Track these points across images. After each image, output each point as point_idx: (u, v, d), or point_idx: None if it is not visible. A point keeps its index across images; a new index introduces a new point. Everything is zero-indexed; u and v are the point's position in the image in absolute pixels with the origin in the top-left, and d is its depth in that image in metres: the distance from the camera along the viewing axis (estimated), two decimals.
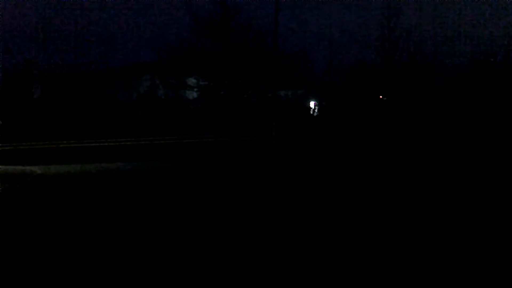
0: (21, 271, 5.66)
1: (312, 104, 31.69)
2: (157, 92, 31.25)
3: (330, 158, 19.07)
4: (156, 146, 23.41)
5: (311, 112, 31.61)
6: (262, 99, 28.04)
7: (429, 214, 8.07)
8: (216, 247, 6.37)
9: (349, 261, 5.63)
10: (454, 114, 26.25)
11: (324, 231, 7.14)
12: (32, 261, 6.07)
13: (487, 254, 5.73)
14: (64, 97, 29.60)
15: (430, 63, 29.97)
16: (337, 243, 6.46)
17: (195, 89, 30.17)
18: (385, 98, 30.65)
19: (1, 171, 15.99)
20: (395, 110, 28.21)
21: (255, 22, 28.63)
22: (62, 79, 30.69)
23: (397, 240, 6.51)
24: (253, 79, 28.96)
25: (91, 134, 24.93)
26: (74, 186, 13.70)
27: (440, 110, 26.77)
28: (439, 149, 19.67)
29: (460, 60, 30.66)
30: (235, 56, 28.16)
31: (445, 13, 30.74)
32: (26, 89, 30.64)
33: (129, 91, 31.71)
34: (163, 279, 5.20)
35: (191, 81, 30.16)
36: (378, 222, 7.55)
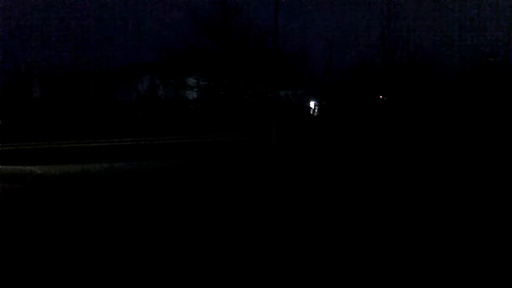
0: (21, 271, 5.66)
1: (312, 104, 31.68)
2: (157, 92, 31.24)
3: (330, 158, 19.06)
4: (156, 146, 23.39)
5: (311, 112, 31.60)
6: (262, 99, 28.03)
7: (428, 213, 8.07)
8: (216, 247, 6.37)
9: (348, 260, 5.63)
10: (454, 114, 26.24)
11: (324, 230, 7.14)
12: (32, 261, 6.07)
13: (487, 254, 5.73)
14: (64, 97, 29.58)
15: (430, 63, 29.96)
16: (336, 242, 6.45)
17: (195, 89, 30.15)
18: (385, 98, 30.64)
19: (1, 171, 15.97)
20: (395, 110, 28.20)
21: (255, 22, 28.64)
22: (62, 79, 30.68)
23: (396, 239, 6.51)
24: (253, 79, 28.95)
25: (91, 134, 24.91)
26: (74, 186, 13.69)
27: (440, 110, 26.76)
28: (439, 149, 19.66)
29: (460, 60, 30.67)
30: (235, 56, 28.15)
31: (445, 13, 30.74)
32: (26, 89, 30.63)
33: (129, 91, 31.70)
34: (163, 279, 5.20)
35: (191, 81, 30.15)
36: (377, 222, 7.55)
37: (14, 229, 8.07)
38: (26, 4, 31.16)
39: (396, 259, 5.64)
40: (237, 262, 5.72)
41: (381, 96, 30.78)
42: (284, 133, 22.59)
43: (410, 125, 25.49)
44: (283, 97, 28.38)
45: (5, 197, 11.87)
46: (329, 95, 31.04)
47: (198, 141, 23.51)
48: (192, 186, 12.73)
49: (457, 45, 30.48)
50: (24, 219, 9.04)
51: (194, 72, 29.68)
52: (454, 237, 6.56)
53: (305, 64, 30.38)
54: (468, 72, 29.75)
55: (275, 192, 11.12)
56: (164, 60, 29.42)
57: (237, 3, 29.00)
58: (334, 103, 30.75)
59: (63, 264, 5.84)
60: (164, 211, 9.22)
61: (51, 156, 21.59)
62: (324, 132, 25.83)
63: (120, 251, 6.40)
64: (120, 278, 5.31)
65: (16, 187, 13.29)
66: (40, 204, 10.67)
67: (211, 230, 7.38)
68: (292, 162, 18.21)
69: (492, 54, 30.01)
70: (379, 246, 6.21)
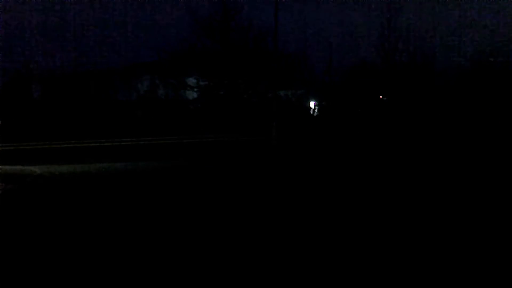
0: (21, 271, 5.66)
1: (312, 104, 31.70)
2: (157, 92, 31.27)
3: (330, 158, 19.06)
4: (156, 146, 23.40)
5: (311, 112, 31.62)
6: (262, 99, 28.05)
7: (428, 213, 8.07)
8: (216, 247, 6.37)
9: (348, 260, 5.62)
10: (454, 114, 26.25)
11: (324, 230, 7.14)
12: (32, 261, 6.07)
13: (487, 254, 5.73)
14: (64, 97, 29.63)
15: (430, 63, 29.99)
16: (336, 242, 6.45)
17: (195, 89, 30.18)
18: (385, 98, 30.66)
19: (1, 171, 15.97)
20: (395, 110, 28.22)
21: (255, 22, 28.70)
22: (62, 79, 30.72)
23: (396, 239, 6.51)
24: (253, 79, 28.98)
25: (91, 134, 24.93)
26: (74, 186, 13.68)
27: (440, 110, 26.77)
28: (439, 149, 19.66)
29: (460, 60, 30.70)
30: (235, 56, 28.18)
31: (445, 13, 30.76)
32: (26, 89, 30.66)
33: (129, 91, 31.73)
34: (163, 279, 5.19)
35: (191, 81, 30.18)
36: (377, 222, 7.55)
37: (14, 229, 8.07)
38: (26, 4, 31.18)
39: (395, 259, 5.64)
40: (237, 261, 5.72)
41: (381, 96, 30.80)
42: (284, 133, 22.59)
43: (410, 125, 25.49)
44: (283, 97, 28.40)
45: (5, 197, 11.87)
46: (329, 95, 31.07)
47: (198, 141, 23.52)
48: (192, 186, 12.73)
49: (457, 45, 30.52)
50: (23, 219, 9.04)
51: (194, 72, 29.70)
52: (453, 237, 6.56)
53: (305, 64, 30.44)
54: (468, 72, 29.76)
55: (275, 192, 11.12)
56: (164, 60, 29.45)
57: (237, 3, 29.06)
58: (334, 103, 30.77)
59: (63, 264, 5.84)
60: (164, 211, 9.21)
61: (51, 156, 21.59)
62: (324, 132, 25.84)
63: (120, 251, 6.40)
64: (120, 278, 5.31)
65: (16, 187, 13.29)
66: (39, 204, 10.67)
67: (211, 230, 7.38)
68: (292, 162, 18.21)
69: (492, 54, 30.02)
70: (379, 246, 6.20)
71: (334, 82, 31.37)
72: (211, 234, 7.16)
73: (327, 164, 17.04)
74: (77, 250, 6.46)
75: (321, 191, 11.09)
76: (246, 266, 5.56)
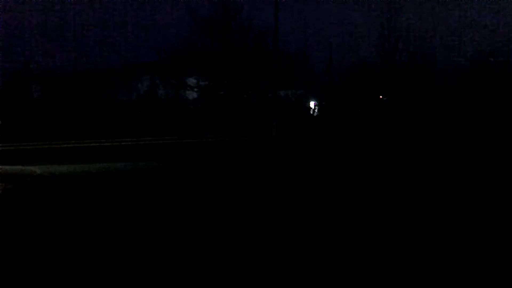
0: (21, 271, 5.66)
1: (312, 104, 31.69)
2: (157, 92, 31.26)
3: (330, 158, 19.06)
4: (156, 146, 23.41)
5: (311, 112, 31.61)
6: (262, 99, 28.04)
7: (428, 213, 8.07)
8: (216, 247, 6.37)
9: (348, 260, 5.62)
10: (454, 114, 26.24)
11: (323, 230, 7.14)
12: (32, 261, 6.07)
13: (487, 254, 5.73)
14: (64, 97, 29.62)
15: (430, 63, 29.97)
16: (336, 242, 6.45)
17: (195, 89, 30.17)
18: (385, 98, 30.65)
19: (1, 171, 15.98)
20: (395, 110, 28.21)
21: (255, 22, 28.67)
22: (62, 79, 30.72)
23: (396, 239, 6.51)
24: (253, 79, 28.96)
25: (91, 134, 24.93)
26: (74, 186, 13.69)
27: (440, 110, 26.76)
28: (439, 149, 19.66)
29: (460, 60, 30.69)
30: (235, 56, 28.17)
31: (445, 13, 30.76)
32: (26, 89, 30.66)
33: (129, 91, 31.72)
34: (163, 279, 5.20)
35: (191, 81, 30.17)
36: (377, 222, 7.55)
37: (13, 229, 8.08)
38: (26, 4, 31.18)
39: (395, 259, 5.64)
40: (237, 261, 5.72)
41: (381, 96, 30.79)
42: (284, 133, 22.59)
43: (410, 125, 25.49)
44: (283, 97, 28.39)
45: (5, 197, 11.87)
46: (329, 95, 31.05)
47: (198, 141, 23.52)
48: (192, 186, 12.73)
49: (457, 45, 30.52)
50: (23, 219, 9.04)
51: (194, 72, 29.69)
52: (453, 237, 6.56)
53: (305, 64, 30.42)
54: (468, 72, 29.75)
55: (275, 192, 11.12)
56: (164, 60, 29.44)
57: (237, 3, 29.05)
58: (334, 103, 30.76)
59: (63, 264, 5.84)
60: (164, 211, 9.22)
61: (51, 156, 21.60)
62: (324, 132, 25.84)
63: (120, 251, 6.40)
64: (120, 278, 5.31)
65: (16, 187, 13.29)
66: (39, 205, 10.67)
67: (211, 230, 7.38)
68: (292, 162, 18.21)
69: (492, 54, 30.02)
70: (378, 246, 6.20)
71: (334, 82, 31.36)
72: (211, 234, 7.16)
73: (327, 164, 17.05)
74: (77, 250, 6.46)
75: (321, 191, 11.09)
76: (246, 265, 5.56)
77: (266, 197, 10.34)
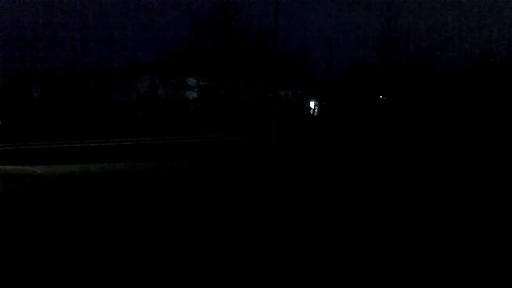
0: (21, 271, 5.66)
1: (312, 104, 31.69)
2: (157, 92, 31.25)
3: (330, 158, 19.06)
4: (156, 146, 23.39)
5: (311, 112, 31.61)
6: (262, 99, 28.04)
7: (428, 213, 8.07)
8: (216, 247, 6.37)
9: (348, 260, 5.63)
10: (454, 114, 26.25)
11: (323, 230, 7.14)
12: (32, 261, 6.07)
13: (487, 254, 5.73)
14: (64, 97, 29.61)
15: (430, 63, 29.97)
16: (336, 242, 6.45)
17: (195, 89, 30.17)
18: (385, 98, 30.65)
19: (1, 171, 15.97)
20: (395, 110, 28.21)
21: (255, 22, 28.66)
22: (62, 79, 30.71)
23: (396, 239, 6.51)
24: (253, 79, 28.96)
25: (91, 134, 24.92)
26: (74, 186, 13.68)
27: (440, 110, 26.77)
28: (439, 149, 19.66)
29: (460, 60, 30.70)
30: (235, 56, 28.16)
31: (445, 13, 30.77)
32: (26, 89, 30.65)
33: (129, 91, 31.71)
34: (163, 279, 5.20)
35: (191, 81, 30.17)
36: (377, 222, 7.55)
37: (13, 229, 8.08)
38: (26, 4, 31.19)
39: (394, 259, 5.64)
40: (237, 261, 5.72)
41: (381, 96, 30.79)
42: (284, 133, 22.58)
43: (410, 125, 25.49)
44: (283, 97, 28.38)
45: (5, 197, 11.87)
46: (329, 95, 31.05)
47: (198, 141, 23.51)
48: (192, 186, 12.73)
49: (457, 45, 30.52)
50: (23, 219, 9.04)
51: (194, 72, 29.68)
52: (453, 237, 6.56)
53: (305, 64, 30.41)
54: (468, 72, 29.75)
55: (275, 192, 11.12)
56: (164, 60, 29.43)
57: (237, 3, 29.04)
58: (334, 103, 30.76)
59: (63, 264, 5.84)
60: (164, 211, 9.22)
61: (51, 156, 21.58)
62: (324, 132, 25.83)
63: (120, 251, 6.40)
64: (120, 278, 5.31)
65: (16, 187, 13.29)
66: (39, 205, 10.67)
67: (211, 230, 7.38)
68: (292, 162, 18.20)
69: (492, 54, 30.03)
70: (378, 246, 6.21)
71: (334, 82, 31.36)
72: (211, 234, 7.16)
73: (327, 164, 17.04)
74: (77, 250, 6.46)
75: (321, 191, 11.09)
76: (245, 265, 5.57)
77: (266, 197, 10.35)
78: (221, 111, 28.08)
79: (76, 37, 30.91)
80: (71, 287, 5.16)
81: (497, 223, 7.35)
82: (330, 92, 30.83)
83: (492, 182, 11.43)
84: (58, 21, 31.10)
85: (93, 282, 5.22)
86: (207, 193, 11.17)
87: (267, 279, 5.13)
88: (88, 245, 6.70)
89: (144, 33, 38.11)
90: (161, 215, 8.81)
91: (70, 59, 30.81)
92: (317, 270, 5.36)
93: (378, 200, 9.47)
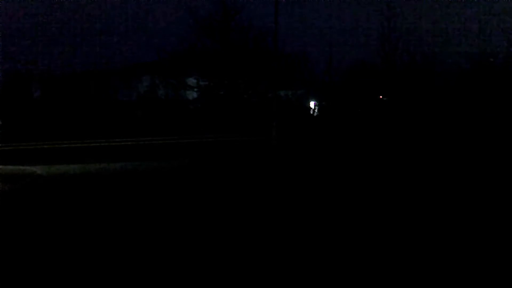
0: (21, 271, 5.66)
1: (312, 104, 31.71)
2: (157, 92, 31.27)
3: (330, 158, 19.06)
4: (156, 146, 23.40)
5: (311, 112, 31.62)
6: (262, 99, 28.05)
7: (428, 214, 8.07)
8: (216, 247, 6.37)
9: (348, 260, 5.62)
10: (454, 114, 26.26)
11: (323, 230, 7.14)
12: (32, 261, 6.07)
13: (487, 254, 5.73)
14: (64, 97, 29.63)
15: (430, 63, 29.98)
16: (336, 242, 6.45)
17: (195, 89, 30.18)
18: (385, 98, 30.66)
19: (1, 171, 15.97)
20: (395, 110, 28.22)
21: (255, 22, 28.69)
22: (62, 79, 30.74)
23: (396, 239, 6.51)
24: (253, 79, 28.97)
25: (91, 134, 24.93)
26: (74, 186, 13.69)
27: (440, 110, 26.78)
28: (439, 149, 19.66)
29: (460, 60, 30.71)
30: (235, 56, 28.17)
31: (445, 13, 30.78)
32: (26, 89, 30.66)
33: (129, 91, 31.74)
34: (163, 279, 5.20)
35: (191, 81, 30.17)
36: (377, 222, 7.55)
37: (13, 229, 8.08)
38: (26, 5, 31.20)
39: (394, 259, 5.64)
40: (237, 261, 5.72)
41: (381, 96, 30.80)
42: (284, 133, 22.59)
43: (410, 125, 25.49)
44: (283, 97, 28.39)
45: (5, 197, 11.87)
46: (329, 95, 31.07)
47: (198, 141, 23.52)
48: (192, 186, 12.73)
49: (457, 45, 30.54)
50: (23, 219, 9.04)
51: (194, 72, 29.70)
52: (453, 237, 6.56)
53: (305, 64, 30.44)
54: (468, 72, 29.76)
55: (275, 192, 11.12)
56: (164, 60, 29.45)
57: (237, 3, 29.05)
58: (334, 103, 30.77)
59: (62, 264, 5.84)
60: (164, 211, 9.22)
61: (51, 156, 21.59)
62: (324, 132, 25.84)
63: (119, 251, 6.40)
64: (120, 279, 5.31)
65: (16, 187, 13.29)
66: (39, 205, 10.67)
67: (211, 230, 7.38)
68: (292, 162, 18.20)
69: (492, 54, 30.04)
70: (378, 246, 6.20)
71: (334, 82, 31.38)
72: (211, 234, 7.16)
73: (327, 164, 17.04)
74: (77, 251, 6.46)
75: (321, 191, 11.09)
76: (245, 265, 5.57)
77: (266, 197, 10.34)
78: (221, 111, 28.09)
79: (77, 37, 30.93)
80: (71, 287, 5.15)
81: (496, 223, 7.34)
82: (330, 92, 30.85)
83: (492, 182, 11.43)
84: (58, 21, 31.12)
85: (93, 282, 5.22)
86: (207, 193, 11.17)
87: (266, 278, 5.12)
88: (88, 245, 6.70)
89: (144, 33, 38.16)
90: (161, 215, 8.81)
91: (70, 59, 30.84)
92: (316, 270, 5.36)
93: (378, 200, 9.47)
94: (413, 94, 28.42)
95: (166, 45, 32.21)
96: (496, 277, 5.03)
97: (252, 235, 7.03)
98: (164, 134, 24.52)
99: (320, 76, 31.41)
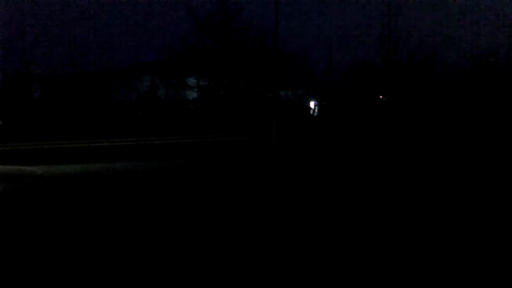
0: (21, 271, 5.66)
1: (312, 104, 31.68)
2: (157, 92, 31.25)
3: (330, 158, 19.06)
4: (156, 146, 23.40)
5: (311, 112, 31.60)
6: (262, 99, 28.03)
7: (428, 214, 8.07)
8: (216, 247, 6.37)
9: (348, 260, 5.62)
10: (454, 114, 26.24)
11: (323, 230, 7.14)
12: (32, 261, 6.07)
13: (487, 254, 5.73)
14: (64, 97, 29.61)
15: (430, 63, 29.96)
16: (336, 242, 6.45)
17: (195, 89, 30.16)
18: (385, 98, 30.64)
19: (1, 171, 15.97)
20: (395, 110, 28.20)
21: (255, 22, 28.67)
22: (62, 79, 30.71)
23: (396, 239, 6.51)
24: (253, 79, 28.95)
25: (91, 134, 24.92)
26: (74, 186, 13.69)
27: (440, 110, 26.76)
28: (439, 149, 19.66)
29: (460, 60, 30.69)
30: (235, 56, 28.15)
31: (445, 13, 30.77)
32: (26, 89, 30.65)
33: (129, 91, 31.72)
34: (163, 279, 5.19)
35: (191, 81, 30.16)
36: (377, 222, 7.55)
37: (13, 229, 8.08)
38: (26, 5, 31.21)
39: (394, 259, 5.64)
40: (237, 261, 5.72)
41: (381, 96, 30.78)
42: (284, 133, 22.59)
43: (410, 125, 25.48)
44: (283, 97, 28.38)
45: (5, 197, 11.87)
46: (329, 95, 31.04)
47: (198, 141, 23.52)
48: (192, 186, 12.73)
49: (457, 45, 30.51)
50: (23, 219, 9.04)
51: (194, 72, 29.68)
52: (453, 238, 6.56)
53: (305, 64, 30.38)
54: (468, 72, 29.74)
55: (275, 191, 11.12)
56: (164, 60, 29.43)
57: (237, 3, 29.02)
58: (334, 103, 30.75)
59: (62, 264, 5.84)
60: (164, 211, 9.22)
61: (51, 156, 21.60)
62: (324, 132, 25.83)
63: (119, 251, 6.40)
64: (120, 279, 5.31)
65: (16, 187, 13.30)
66: (39, 205, 10.67)
67: (211, 230, 7.38)
68: (292, 162, 18.21)
69: (492, 54, 30.01)
70: (378, 246, 6.20)
71: (334, 82, 31.34)
72: (211, 234, 7.16)
73: (327, 164, 17.04)
74: (76, 251, 6.46)
75: (321, 191, 11.09)
76: (245, 265, 5.56)
77: (266, 197, 10.34)
78: (221, 111, 28.06)
79: (76, 37, 30.92)
80: (71, 287, 5.15)
81: (496, 223, 7.34)
82: (330, 92, 30.82)
83: (492, 182, 11.43)
84: (58, 21, 31.10)
85: (93, 282, 5.22)
86: (207, 193, 11.17)
87: (266, 278, 5.12)
88: (87, 245, 6.70)
89: (144, 33, 38.15)
90: (160, 215, 8.81)
91: (70, 59, 30.81)
92: (315, 269, 5.35)
93: (377, 200, 9.47)
94: (413, 94, 28.40)
95: (166, 45, 32.14)
96: (496, 276, 5.03)
97: (251, 234, 7.03)
98: (164, 134, 24.51)
99: (320, 76, 31.39)
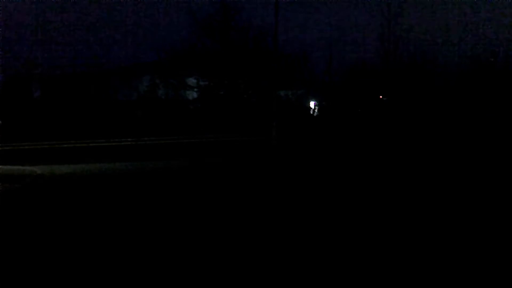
0: (21, 271, 5.66)
1: (312, 104, 31.68)
2: (157, 92, 31.26)
3: (330, 158, 19.07)
4: (156, 146, 23.41)
5: (311, 112, 31.60)
6: (262, 99, 28.03)
7: (428, 214, 8.07)
8: (217, 247, 6.37)
9: (348, 260, 5.62)
10: (454, 114, 26.24)
11: (323, 230, 7.14)
12: (32, 261, 6.07)
13: (487, 254, 5.73)
14: (64, 97, 29.61)
15: (430, 63, 29.96)
16: (336, 242, 6.45)
17: (195, 89, 30.17)
18: (385, 98, 30.63)
19: (1, 171, 15.97)
20: (395, 110, 28.20)
21: (255, 22, 28.66)
22: (62, 79, 30.71)
23: (396, 239, 6.51)
24: (253, 79, 28.95)
25: (91, 134, 24.93)
26: (74, 186, 13.69)
27: (440, 110, 26.76)
28: (439, 149, 19.66)
29: (460, 60, 30.69)
30: (235, 56, 28.16)
31: (445, 13, 30.78)
32: (26, 89, 30.64)
33: (129, 91, 31.72)
34: (163, 279, 5.19)
35: (191, 81, 30.16)
36: (377, 222, 7.55)
37: (13, 229, 8.08)
38: (26, 4, 31.21)
39: (394, 259, 5.64)
40: (237, 261, 5.72)
41: (381, 96, 30.77)
42: (284, 133, 22.60)
43: (410, 125, 25.48)
44: (283, 97, 28.38)
45: (5, 197, 11.87)
46: (329, 95, 31.03)
47: (198, 141, 23.53)
48: (192, 186, 12.73)
49: (457, 45, 30.52)
50: (23, 219, 9.04)
51: (194, 72, 29.68)
52: (453, 238, 6.56)
53: (305, 64, 30.37)
54: (468, 72, 29.74)
55: (275, 191, 11.12)
56: (164, 60, 29.43)
57: (237, 3, 29.02)
58: (334, 103, 30.74)
59: (62, 264, 5.84)
60: (164, 211, 9.22)
61: (51, 156, 21.60)
62: (324, 132, 25.83)
63: (119, 251, 6.40)
64: (120, 278, 5.31)
65: (16, 187, 13.30)
66: (39, 205, 10.67)
67: (211, 230, 7.38)
68: (292, 162, 18.21)
69: (492, 54, 30.02)
70: (378, 246, 6.20)
71: (334, 82, 31.33)
72: (211, 234, 7.16)
73: (327, 164, 17.05)
74: (76, 251, 6.46)
75: (321, 191, 11.09)
76: (245, 265, 5.57)
77: (266, 197, 10.35)
78: (221, 111, 28.07)
79: (76, 37, 30.92)
80: (71, 287, 5.15)
81: (496, 223, 7.34)
82: (330, 92, 30.81)
83: (491, 182, 11.43)
84: (58, 21, 31.11)
85: (93, 282, 5.22)
86: (207, 193, 11.17)
87: (266, 278, 5.12)
88: (87, 245, 6.70)
89: (144, 33, 38.16)
90: (160, 215, 8.81)
91: (70, 59, 30.81)
92: (315, 269, 5.35)
93: (377, 200, 9.47)
94: (413, 94, 28.40)
95: (166, 45, 32.14)
96: (496, 276, 5.03)
97: (251, 234, 7.03)
98: (164, 134, 24.52)
99: (320, 76, 31.38)
